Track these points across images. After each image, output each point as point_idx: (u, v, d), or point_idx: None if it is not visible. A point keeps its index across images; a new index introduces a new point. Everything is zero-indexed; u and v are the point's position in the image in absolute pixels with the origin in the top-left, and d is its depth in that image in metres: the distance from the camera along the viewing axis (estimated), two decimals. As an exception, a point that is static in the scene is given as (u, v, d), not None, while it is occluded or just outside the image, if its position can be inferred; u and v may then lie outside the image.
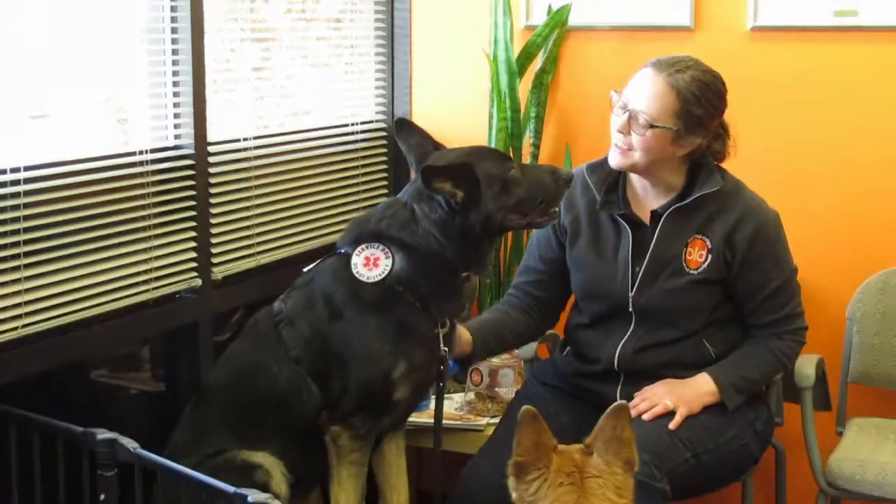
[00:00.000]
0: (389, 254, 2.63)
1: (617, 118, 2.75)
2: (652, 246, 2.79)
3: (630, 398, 2.77)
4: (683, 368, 2.81)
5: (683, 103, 2.68)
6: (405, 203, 2.66)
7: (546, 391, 3.00)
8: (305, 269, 2.78)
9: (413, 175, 2.74)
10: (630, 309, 2.82)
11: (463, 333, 2.88)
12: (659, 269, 2.79)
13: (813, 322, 3.18)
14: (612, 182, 2.85)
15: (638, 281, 2.80)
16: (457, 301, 2.72)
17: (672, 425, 2.69)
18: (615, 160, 2.78)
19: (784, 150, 3.47)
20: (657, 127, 2.68)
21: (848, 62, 3.38)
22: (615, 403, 2.15)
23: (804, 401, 3.18)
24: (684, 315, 2.80)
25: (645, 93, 2.71)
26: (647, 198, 2.84)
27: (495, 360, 3.34)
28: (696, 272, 2.77)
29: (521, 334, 3.05)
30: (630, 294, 2.81)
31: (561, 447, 2.14)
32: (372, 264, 2.63)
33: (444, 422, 3.20)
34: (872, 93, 3.37)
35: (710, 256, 2.76)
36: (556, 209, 2.73)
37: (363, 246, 2.65)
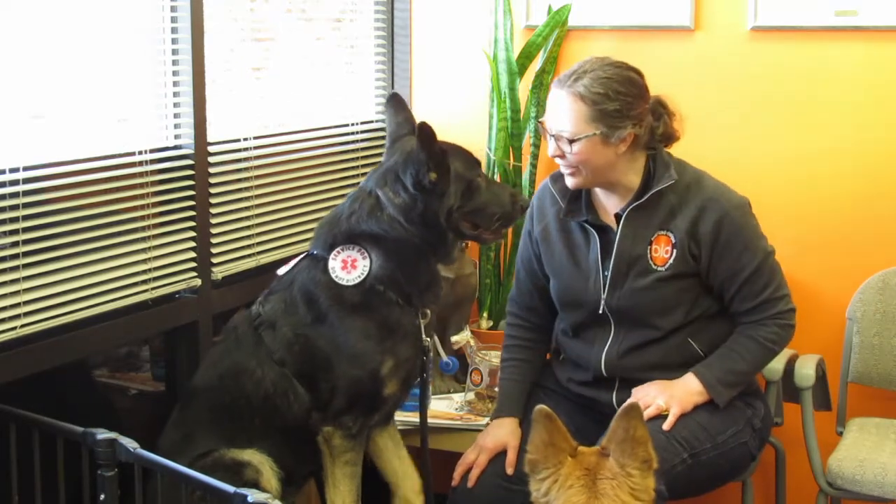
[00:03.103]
0: (366, 254, 2.65)
1: (549, 145, 2.78)
2: (615, 247, 2.79)
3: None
4: (672, 369, 2.80)
5: (592, 106, 2.67)
6: (370, 191, 2.71)
7: (543, 393, 2.99)
8: (280, 273, 2.79)
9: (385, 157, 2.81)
10: (604, 312, 2.82)
11: (510, 425, 2.90)
12: (627, 269, 2.79)
13: (813, 322, 3.18)
14: (576, 190, 2.85)
15: (608, 283, 2.80)
16: (435, 289, 2.76)
17: (666, 426, 2.69)
18: (570, 182, 2.80)
19: (784, 150, 3.46)
20: (580, 139, 2.69)
21: (848, 62, 3.38)
22: (625, 404, 2.16)
23: (804, 401, 3.18)
24: (658, 313, 2.79)
25: (557, 113, 2.72)
26: (609, 202, 2.84)
27: (495, 361, 3.34)
28: (663, 269, 2.77)
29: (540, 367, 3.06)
30: (602, 297, 2.81)
31: (581, 449, 2.14)
32: (350, 266, 2.65)
33: (444, 422, 3.23)
34: (872, 93, 3.37)
35: (675, 251, 2.76)
36: (505, 231, 2.83)
37: (338, 249, 2.67)
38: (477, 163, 2.78)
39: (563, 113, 2.70)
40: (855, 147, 3.40)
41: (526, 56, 3.65)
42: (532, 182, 3.65)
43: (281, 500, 2.60)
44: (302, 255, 2.78)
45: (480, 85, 3.74)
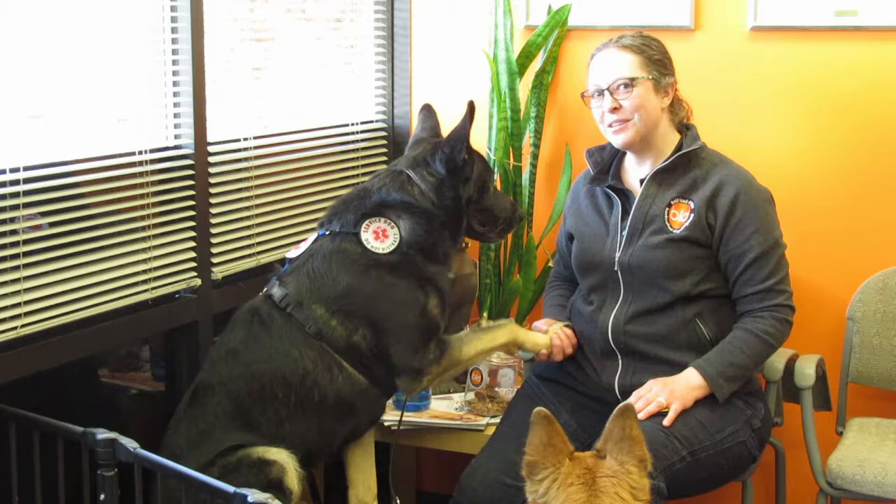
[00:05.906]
0: (393, 224, 2.76)
1: (605, 103, 2.89)
2: (634, 206, 2.91)
3: (628, 391, 2.81)
4: (677, 348, 2.85)
5: (641, 54, 2.87)
6: (399, 171, 2.83)
7: (547, 389, 3.02)
8: (290, 255, 2.82)
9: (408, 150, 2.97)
10: (616, 269, 2.89)
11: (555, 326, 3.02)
12: (642, 227, 2.89)
13: (813, 322, 3.18)
14: (607, 163, 3.02)
15: (623, 241, 2.90)
16: (448, 264, 2.89)
17: (666, 421, 2.71)
18: (620, 138, 2.91)
19: (784, 150, 3.46)
20: (638, 79, 2.85)
21: (848, 62, 3.38)
22: (620, 405, 2.17)
23: (804, 401, 3.18)
24: (666, 275, 2.85)
25: (609, 67, 2.89)
26: (636, 170, 2.96)
27: (495, 360, 3.34)
28: (677, 231, 2.85)
29: None
30: (616, 255, 2.89)
31: (576, 454, 2.15)
32: (382, 236, 2.75)
33: (444, 422, 3.24)
34: (872, 93, 3.37)
35: (692, 216, 2.85)
36: (506, 234, 3.06)
37: (367, 222, 2.76)
38: (492, 171, 2.98)
39: (616, 64, 2.87)
40: (855, 147, 3.40)
41: (526, 56, 3.65)
42: (532, 182, 3.66)
43: (300, 500, 2.62)
44: (315, 236, 2.82)
45: (480, 85, 3.74)
